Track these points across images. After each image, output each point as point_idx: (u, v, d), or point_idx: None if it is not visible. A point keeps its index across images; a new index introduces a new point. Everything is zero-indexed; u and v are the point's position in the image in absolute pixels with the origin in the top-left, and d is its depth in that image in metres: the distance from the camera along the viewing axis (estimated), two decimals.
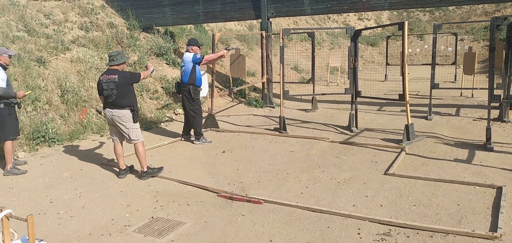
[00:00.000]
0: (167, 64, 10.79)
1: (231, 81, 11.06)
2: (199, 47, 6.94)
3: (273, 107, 10.20)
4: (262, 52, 10.29)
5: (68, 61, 8.92)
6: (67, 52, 9.09)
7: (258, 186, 4.83)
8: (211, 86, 8.38)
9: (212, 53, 8.29)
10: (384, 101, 9.27)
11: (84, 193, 4.80)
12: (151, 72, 5.52)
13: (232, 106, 10.40)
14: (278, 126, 7.77)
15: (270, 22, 10.14)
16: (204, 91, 8.72)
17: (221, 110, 9.84)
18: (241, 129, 7.93)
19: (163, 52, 10.88)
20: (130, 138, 5.16)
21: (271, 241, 3.51)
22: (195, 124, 6.85)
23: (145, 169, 5.17)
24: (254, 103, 10.41)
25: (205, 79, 8.65)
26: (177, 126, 8.23)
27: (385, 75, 15.11)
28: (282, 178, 5.07)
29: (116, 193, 4.79)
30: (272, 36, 10.46)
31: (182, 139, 7.13)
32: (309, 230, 3.66)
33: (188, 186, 4.91)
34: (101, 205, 4.43)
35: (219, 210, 4.20)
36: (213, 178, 5.19)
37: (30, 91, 6.64)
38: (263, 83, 10.52)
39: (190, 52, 6.80)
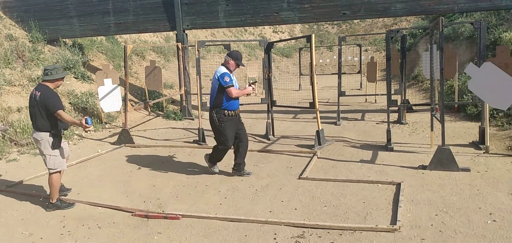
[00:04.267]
0: (75, 78, 10.10)
1: (147, 94, 10.72)
2: (238, 60, 5.29)
3: (192, 119, 10.10)
4: (179, 64, 10.16)
5: None
6: None
7: (176, 201, 4.73)
8: (124, 99, 8.03)
9: (125, 66, 7.98)
10: (298, 109, 9.72)
11: None
12: (87, 123, 4.42)
13: (149, 120, 10.08)
14: (197, 139, 7.71)
15: (186, 34, 10.08)
16: (117, 105, 8.33)
17: (137, 125, 9.48)
18: (158, 144, 7.72)
19: (71, 66, 10.18)
20: (46, 165, 4.64)
21: None
22: (216, 153, 5.48)
23: (53, 201, 4.65)
24: (173, 116, 10.21)
25: (118, 93, 8.28)
26: (88, 144, 7.73)
27: (299, 84, 15.87)
28: (201, 191, 5.03)
29: (16, 221, 4.33)
30: (190, 47, 10.39)
31: (234, 170, 5.55)
32: (227, 241, 3.68)
33: (99, 208, 4.63)
34: None
35: (134, 230, 4.02)
36: (127, 197, 4.96)
37: None
38: (181, 95, 10.37)
39: (226, 66, 5.27)
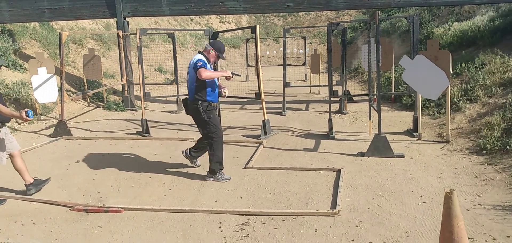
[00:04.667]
0: (6, 66, 9.35)
1: (85, 83, 10.19)
2: (220, 52, 4.87)
3: (136, 110, 9.79)
4: (120, 53, 9.77)
5: None
6: None
7: (118, 194, 4.58)
8: (60, 89, 7.58)
9: (60, 54, 7.52)
10: (245, 100, 9.78)
11: None
12: (27, 116, 4.14)
13: (89, 111, 9.61)
14: (140, 130, 7.49)
15: (127, 21, 9.71)
16: (52, 96, 7.86)
17: (75, 116, 9.00)
18: (98, 136, 7.39)
19: (0, 54, 9.40)
20: None
21: None
22: (213, 155, 4.83)
23: None
24: (114, 106, 9.82)
25: (53, 82, 7.80)
26: (21, 137, 7.21)
27: (247, 75, 15.93)
28: (144, 183, 4.90)
29: None
30: (132, 36, 10.01)
31: (185, 153, 5.26)
32: (171, 232, 3.63)
33: (34, 203, 4.36)
34: None
35: (72, 225, 3.84)
36: (65, 191, 4.71)
37: None
38: (123, 85, 9.99)
39: (204, 54, 4.83)
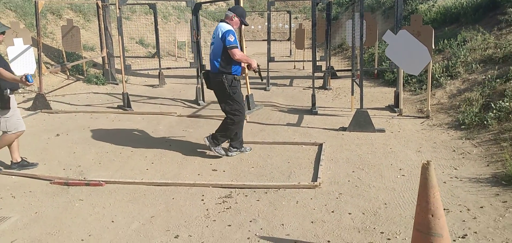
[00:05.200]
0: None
1: (64, 56, 9.92)
2: (243, 18, 4.59)
3: (117, 84, 9.62)
4: (99, 24, 9.51)
5: None
6: None
7: (99, 168, 4.53)
8: (38, 61, 7.37)
9: (37, 24, 7.28)
10: None
11: None
12: (27, 80, 3.98)
13: (68, 84, 9.39)
14: (121, 104, 7.38)
15: None
16: (30, 68, 7.64)
17: (54, 89, 8.79)
18: (79, 109, 7.26)
19: None
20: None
21: (113, 221, 3.35)
22: (233, 129, 4.63)
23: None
24: (94, 80, 9.62)
25: (31, 54, 7.57)
26: None
27: None
28: (126, 157, 4.86)
29: None
30: (112, 7, 9.74)
31: (206, 140, 4.71)
32: (153, 204, 3.63)
33: (13, 177, 4.28)
34: None
35: (53, 198, 3.80)
36: (45, 165, 4.64)
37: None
38: (103, 58, 9.78)
39: (227, 22, 4.52)
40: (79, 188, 3.99)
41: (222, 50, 4.39)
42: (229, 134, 4.65)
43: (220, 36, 4.40)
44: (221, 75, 4.42)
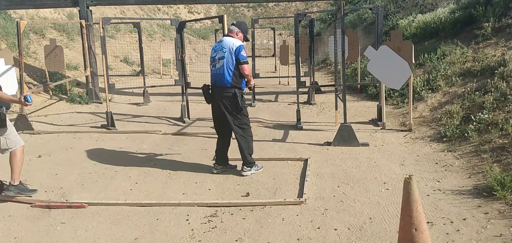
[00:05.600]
0: None
1: (47, 75, 9.80)
2: (246, 33, 4.73)
3: (101, 103, 9.52)
4: (83, 43, 9.45)
5: None
6: None
7: (82, 190, 4.45)
8: (20, 82, 7.26)
9: (19, 44, 7.20)
10: None
11: None
12: (27, 101, 3.95)
13: (51, 104, 9.26)
14: (105, 123, 7.30)
15: (91, 11, 9.39)
16: (12, 88, 7.51)
17: (36, 110, 8.65)
18: (61, 129, 7.15)
19: None
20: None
21: None
22: (245, 146, 4.64)
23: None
24: (78, 99, 9.50)
25: (13, 74, 7.44)
26: None
27: None
28: (110, 177, 4.79)
29: None
30: (96, 26, 9.70)
31: (215, 171, 4.80)
32: (137, 226, 3.57)
33: None
34: None
35: (34, 222, 3.71)
36: None
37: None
38: (86, 77, 9.69)
39: (233, 37, 4.60)
40: (61, 210, 3.91)
41: (235, 65, 4.46)
42: (250, 146, 4.67)
43: (233, 50, 4.45)
44: (234, 89, 4.47)
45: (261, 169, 4.78)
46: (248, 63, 4.55)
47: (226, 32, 6.53)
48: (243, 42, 4.66)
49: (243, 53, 4.47)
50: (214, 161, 4.91)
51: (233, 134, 4.71)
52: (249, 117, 4.72)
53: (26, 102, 3.97)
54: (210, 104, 4.72)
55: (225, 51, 4.47)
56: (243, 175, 4.64)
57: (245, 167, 4.68)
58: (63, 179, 4.77)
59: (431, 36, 9.88)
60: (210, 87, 4.64)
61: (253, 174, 4.67)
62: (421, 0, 12.53)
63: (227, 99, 4.50)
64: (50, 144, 6.26)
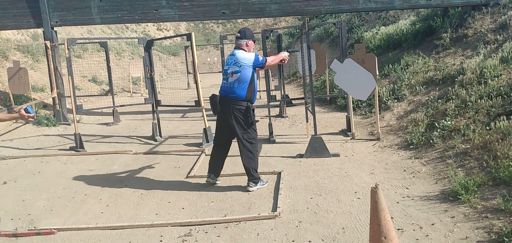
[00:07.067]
0: None
1: (11, 98, 9.46)
2: (254, 38, 4.76)
3: (69, 124, 9.27)
4: (49, 64, 9.21)
5: None
6: None
7: (51, 215, 4.32)
8: None
9: None
10: (186, 108, 9.67)
11: None
12: (28, 112, 3.61)
13: (17, 127, 8.93)
14: (74, 145, 7.11)
15: (56, 32, 9.20)
16: None
17: (1, 135, 8.32)
18: (28, 154, 6.90)
19: None
20: None
21: None
22: (251, 162, 4.60)
23: None
24: (45, 121, 9.22)
25: None
26: None
27: (188, 83, 15.76)
28: (80, 201, 4.67)
29: None
30: (62, 46, 9.48)
31: (210, 179, 4.85)
32: None
33: None
34: None
35: None
36: None
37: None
38: (53, 99, 9.43)
39: (244, 50, 4.61)
40: (29, 238, 3.77)
41: (250, 77, 4.52)
42: (255, 161, 4.65)
43: (251, 63, 4.51)
44: (247, 103, 4.54)
45: (266, 184, 4.80)
46: (267, 60, 4.71)
47: (194, 49, 6.57)
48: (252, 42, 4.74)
49: (260, 58, 4.61)
50: (208, 172, 4.90)
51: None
52: (256, 130, 4.74)
53: (29, 114, 3.69)
54: (216, 115, 4.76)
55: (241, 66, 4.49)
56: (249, 191, 4.62)
57: (251, 182, 4.65)
58: (31, 205, 4.61)
59: (395, 47, 10.27)
60: (218, 98, 4.61)
61: (259, 189, 4.67)
62: (383, 13, 13.02)
63: (240, 112, 4.53)
64: (16, 169, 6.04)
